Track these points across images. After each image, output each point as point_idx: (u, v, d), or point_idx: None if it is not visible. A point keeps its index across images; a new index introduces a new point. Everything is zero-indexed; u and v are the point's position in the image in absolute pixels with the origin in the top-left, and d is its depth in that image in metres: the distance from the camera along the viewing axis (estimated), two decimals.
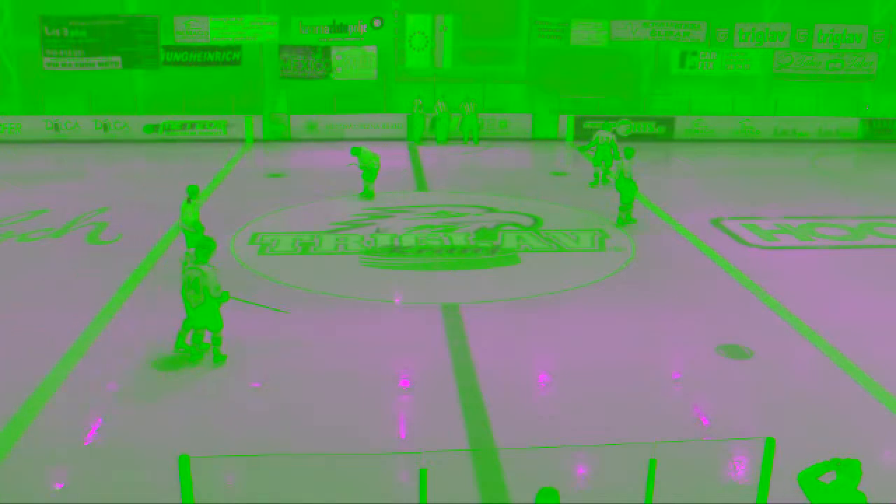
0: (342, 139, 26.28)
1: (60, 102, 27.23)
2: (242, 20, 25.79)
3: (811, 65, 27.53)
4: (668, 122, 27.33)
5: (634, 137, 26.54)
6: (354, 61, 26.29)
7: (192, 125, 26.10)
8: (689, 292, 13.45)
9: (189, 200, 13.59)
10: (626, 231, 16.41)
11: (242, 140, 26.12)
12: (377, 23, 26.28)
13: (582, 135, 26.54)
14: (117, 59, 25.38)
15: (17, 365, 10.41)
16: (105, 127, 25.84)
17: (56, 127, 25.74)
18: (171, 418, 9.22)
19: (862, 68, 27.65)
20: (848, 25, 27.34)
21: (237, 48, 25.78)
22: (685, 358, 11.05)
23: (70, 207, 17.70)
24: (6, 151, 24.38)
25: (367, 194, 18.79)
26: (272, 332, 11.54)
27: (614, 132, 20.95)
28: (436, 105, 25.78)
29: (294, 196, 19.16)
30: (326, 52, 26.11)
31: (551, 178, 21.79)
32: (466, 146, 25.53)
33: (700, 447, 8.72)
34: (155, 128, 25.96)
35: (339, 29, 26.27)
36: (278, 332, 11.58)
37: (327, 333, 11.55)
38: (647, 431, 8.87)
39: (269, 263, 14.44)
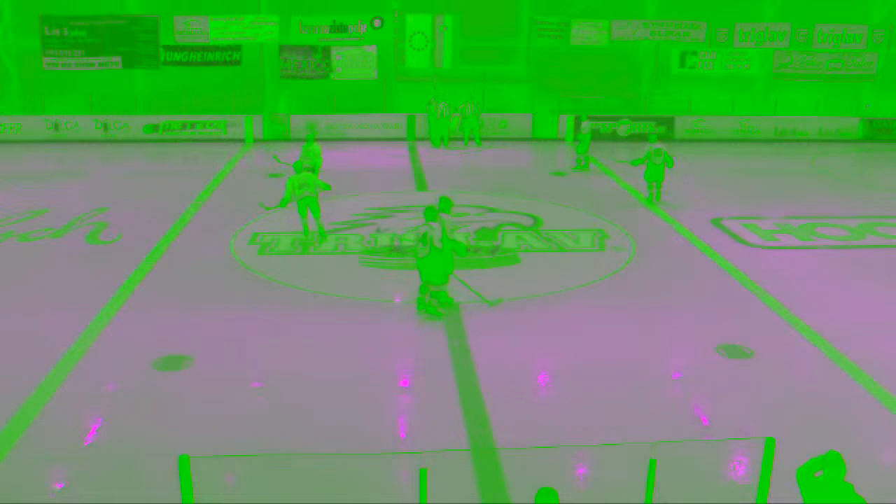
0: (343, 139, 26.32)
1: (60, 102, 27.24)
2: (242, 20, 25.81)
3: (811, 65, 27.54)
4: (668, 122, 27.33)
5: (635, 137, 26.55)
6: (354, 61, 26.31)
7: (192, 125, 26.10)
8: (689, 292, 13.45)
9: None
10: (628, 231, 16.42)
11: (242, 140, 26.12)
12: (377, 23, 26.29)
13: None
14: (117, 59, 25.40)
15: (17, 365, 10.42)
16: (105, 127, 25.85)
17: (56, 127, 25.74)
18: (171, 418, 9.22)
19: (862, 68, 27.65)
20: (848, 25, 27.36)
21: (237, 48, 25.80)
22: (685, 358, 11.05)
23: (70, 207, 17.70)
24: (6, 151, 24.38)
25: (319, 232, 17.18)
26: (272, 332, 11.56)
27: (590, 125, 22.69)
28: (438, 106, 25.69)
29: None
30: (326, 52, 26.12)
31: (551, 178, 21.79)
32: (467, 147, 25.47)
33: (700, 447, 8.72)
34: (155, 128, 25.96)
35: (339, 29, 26.28)
36: (279, 331, 11.59)
37: (327, 333, 11.55)
38: (647, 431, 8.87)
39: (269, 263, 14.44)
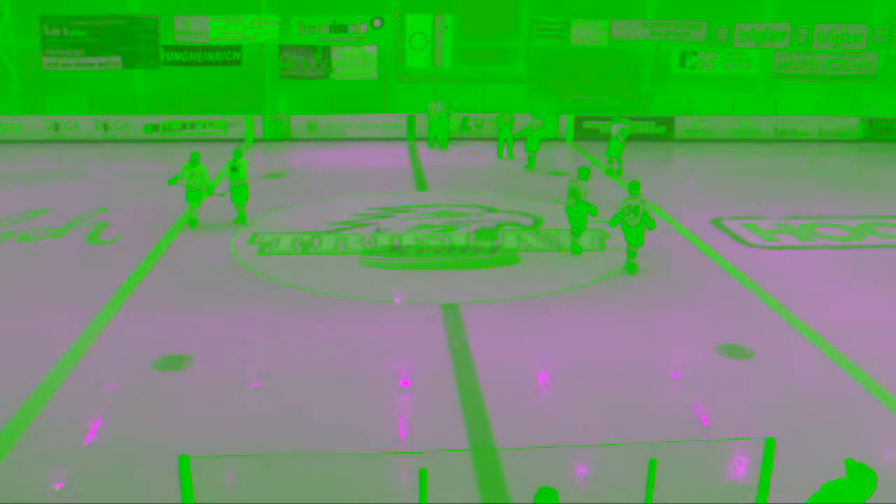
0: (343, 139, 26.33)
1: (60, 102, 27.24)
2: (242, 20, 25.81)
3: (811, 65, 27.54)
4: (668, 122, 27.33)
5: (634, 138, 26.53)
6: (354, 61, 26.30)
7: (192, 125, 26.11)
8: (689, 292, 13.45)
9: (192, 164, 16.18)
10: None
11: (242, 140, 26.12)
12: (377, 23, 26.28)
13: (583, 135, 26.73)
14: (117, 58, 25.39)
15: (17, 365, 10.42)
16: (105, 127, 25.85)
17: (56, 127, 25.75)
18: (171, 418, 9.22)
19: (862, 68, 27.65)
20: (848, 25, 27.36)
21: (237, 48, 25.79)
22: (685, 358, 11.05)
23: (70, 207, 17.70)
24: (6, 151, 24.38)
25: (192, 221, 16.39)
26: (272, 332, 11.56)
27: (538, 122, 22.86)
28: (436, 106, 25.63)
29: (294, 196, 19.15)
30: (326, 52, 26.12)
31: (551, 178, 21.79)
32: (503, 158, 24.14)
33: (700, 447, 8.72)
34: (155, 128, 25.96)
35: (339, 29, 26.28)
36: (279, 331, 11.59)
37: (327, 333, 11.55)
38: (647, 431, 8.87)
39: (269, 263, 14.45)
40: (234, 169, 16.49)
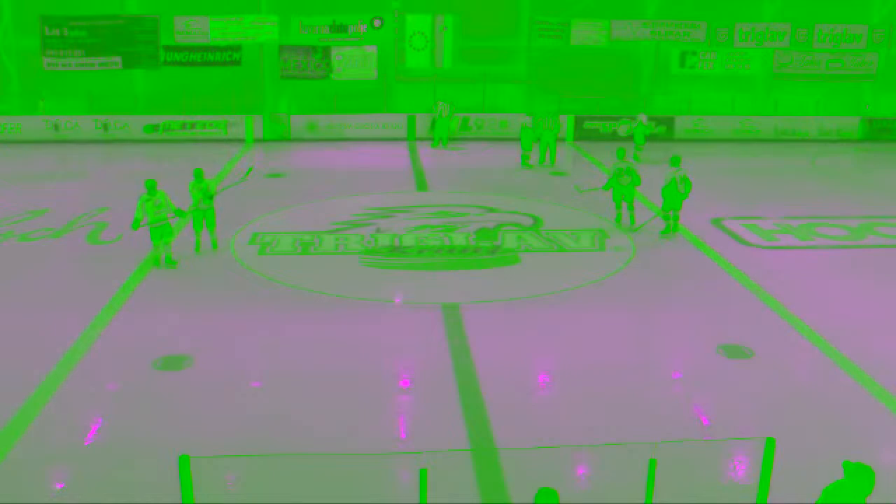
0: (343, 139, 26.32)
1: (60, 102, 27.24)
2: (242, 20, 25.81)
3: (811, 64, 27.55)
4: (668, 122, 27.32)
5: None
6: (354, 61, 26.31)
7: (193, 125, 26.11)
8: (689, 292, 13.45)
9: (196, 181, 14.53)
10: (627, 230, 16.43)
11: (242, 140, 26.12)
12: (377, 23, 26.29)
13: (582, 135, 26.71)
14: (117, 59, 25.40)
15: (17, 365, 10.42)
16: (105, 127, 25.85)
17: (56, 127, 25.75)
18: (171, 418, 9.22)
19: (862, 68, 27.67)
20: (848, 25, 27.37)
21: (237, 48, 25.80)
22: (685, 358, 11.05)
23: (70, 207, 17.69)
24: (6, 151, 24.38)
25: (168, 260, 14.14)
26: (272, 332, 11.56)
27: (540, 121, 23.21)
28: (437, 106, 25.65)
29: (294, 196, 19.15)
30: (326, 52, 26.12)
31: (551, 178, 21.79)
32: (542, 166, 23.36)
33: (700, 447, 8.72)
34: (155, 128, 25.96)
35: (339, 29, 26.29)
36: (278, 331, 11.59)
37: (327, 333, 11.55)
38: (647, 431, 8.86)
39: (269, 263, 14.44)
40: (211, 196, 14.59)
